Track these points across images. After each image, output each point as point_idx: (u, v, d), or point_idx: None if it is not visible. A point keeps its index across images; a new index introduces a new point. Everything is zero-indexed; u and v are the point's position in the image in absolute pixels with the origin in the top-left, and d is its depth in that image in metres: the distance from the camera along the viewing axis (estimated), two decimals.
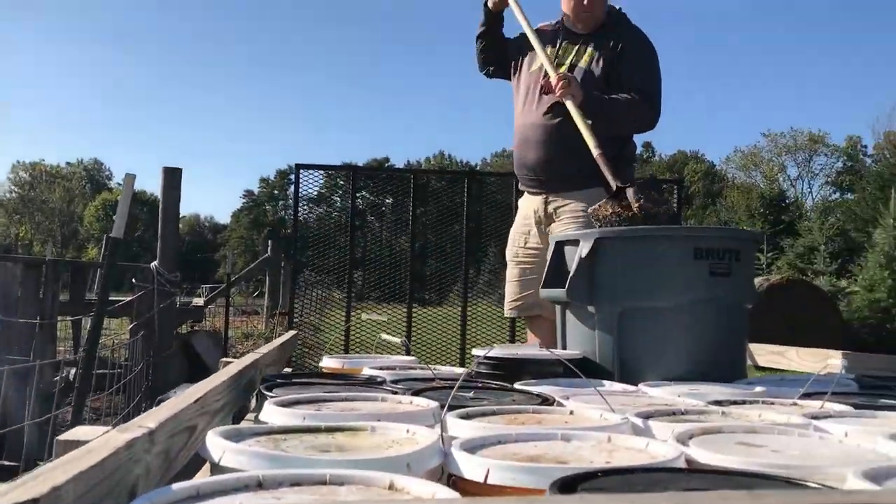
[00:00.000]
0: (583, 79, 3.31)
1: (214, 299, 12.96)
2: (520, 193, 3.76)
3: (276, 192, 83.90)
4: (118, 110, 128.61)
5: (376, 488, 1.03)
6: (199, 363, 8.25)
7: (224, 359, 2.89)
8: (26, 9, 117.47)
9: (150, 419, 1.18)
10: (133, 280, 6.51)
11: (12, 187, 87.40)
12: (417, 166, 65.09)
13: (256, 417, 2.09)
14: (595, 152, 2.95)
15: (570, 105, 3.11)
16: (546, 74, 3.30)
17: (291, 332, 4.18)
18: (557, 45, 3.50)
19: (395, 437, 1.37)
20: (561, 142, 3.32)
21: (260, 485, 1.06)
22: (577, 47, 3.46)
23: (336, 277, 6.05)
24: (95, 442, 1.00)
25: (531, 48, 3.44)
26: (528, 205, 3.59)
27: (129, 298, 6.92)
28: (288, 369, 3.70)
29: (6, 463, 6.02)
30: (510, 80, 3.73)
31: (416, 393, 1.84)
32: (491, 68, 3.77)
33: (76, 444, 1.10)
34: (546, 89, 3.26)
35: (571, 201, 3.38)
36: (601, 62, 3.38)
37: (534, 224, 3.53)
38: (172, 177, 6.45)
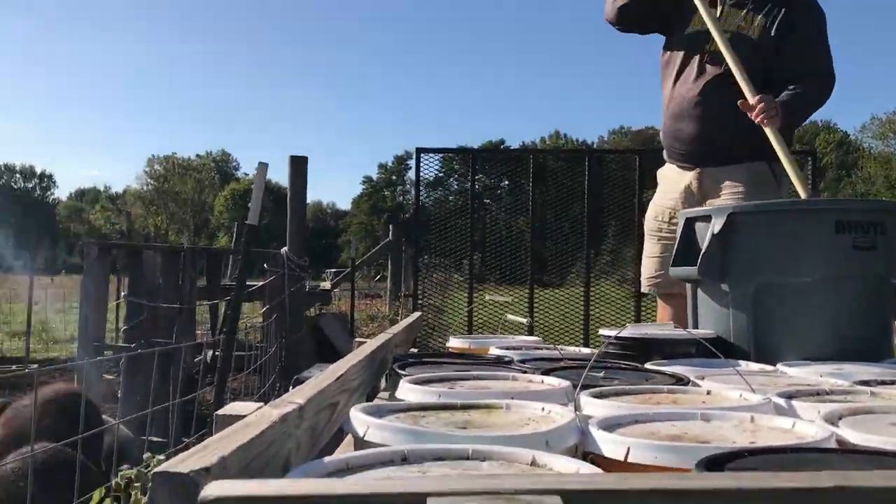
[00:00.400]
0: (754, 53, 3.11)
1: (340, 283, 13.36)
2: (657, 165, 3.61)
3: (393, 177, 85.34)
4: (244, 103, 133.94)
5: (518, 464, 1.04)
6: (328, 344, 8.52)
7: (357, 339, 2.98)
8: (159, 8, 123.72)
9: (298, 396, 1.23)
10: (264, 265, 6.79)
11: (148, 180, 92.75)
12: (533, 147, 64.63)
13: (390, 395, 2.15)
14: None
15: (769, 132, 2.93)
16: (711, 52, 3.14)
17: (416, 314, 4.26)
18: (720, 6, 3.26)
19: (530, 415, 1.38)
20: (722, 116, 3.13)
21: (405, 459, 1.09)
22: (743, 13, 3.21)
23: (455, 260, 6.12)
24: (252, 416, 1.06)
25: (690, 6, 3.18)
26: (677, 179, 3.40)
27: (260, 283, 7.23)
28: (413, 350, 3.78)
29: (155, 439, 6.43)
30: (648, 32, 3.48)
31: (546, 372, 1.84)
32: (631, 16, 3.37)
33: (234, 418, 1.16)
34: (743, 108, 2.98)
35: (731, 177, 3.24)
36: (772, 31, 3.14)
37: (681, 199, 3.36)
38: (299, 165, 6.67)
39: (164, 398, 7.01)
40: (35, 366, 11.71)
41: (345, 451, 1.73)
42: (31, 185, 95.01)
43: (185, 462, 0.79)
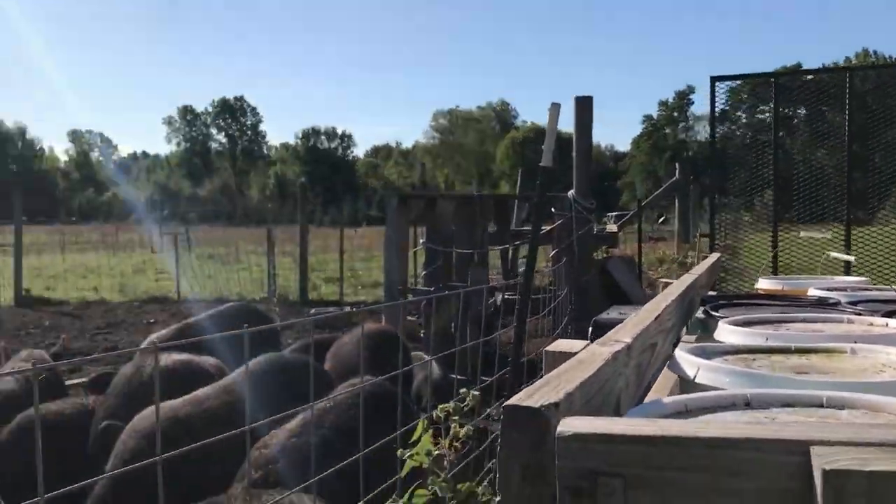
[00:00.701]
0: None
1: (626, 225, 13.13)
2: None
3: (675, 114, 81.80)
4: (521, 52, 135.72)
5: (887, 414, 0.93)
6: (616, 287, 8.45)
7: (663, 279, 2.88)
8: None
9: (624, 334, 1.20)
10: (551, 210, 6.83)
11: (434, 133, 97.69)
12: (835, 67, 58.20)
13: (698, 338, 2.05)
14: None
15: None
16: None
17: (715, 255, 4.04)
18: None
19: (884, 361, 1.24)
20: None
21: (748, 404, 1.02)
22: None
23: (748, 199, 5.71)
24: (582, 354, 1.04)
25: None
26: None
27: (548, 228, 7.30)
28: (712, 293, 3.59)
29: (458, 377, 6.83)
30: None
31: (889, 315, 1.65)
32: None
33: (563, 355, 1.16)
34: None
35: None
36: None
37: None
38: (584, 105, 6.57)
39: (462, 339, 7.41)
40: (348, 308, 12.98)
41: (660, 395, 1.67)
42: (333, 145, 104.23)
43: (533, 397, 0.79)
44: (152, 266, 22.74)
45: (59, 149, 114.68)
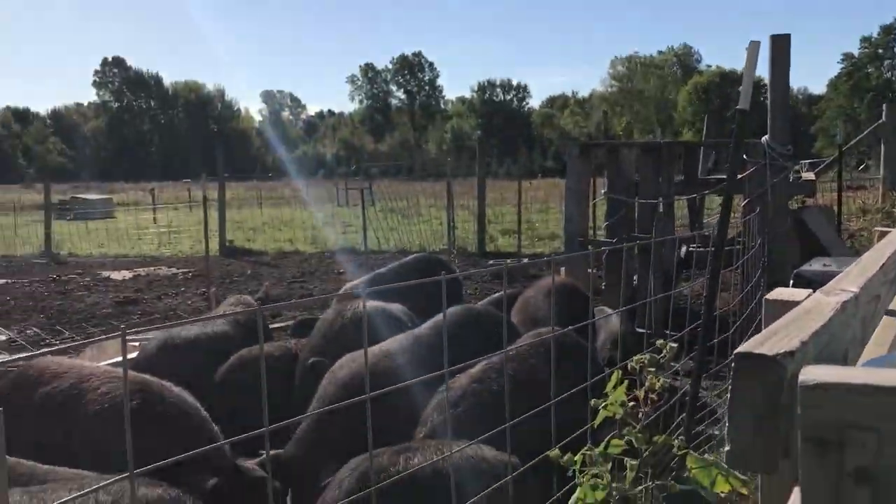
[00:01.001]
0: None
1: (823, 172, 12.26)
2: None
3: (879, 51, 74.72)
4: None
5: None
6: (812, 239, 7.93)
7: (878, 228, 2.67)
8: None
9: (849, 283, 1.12)
10: (743, 157, 6.47)
11: (612, 82, 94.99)
12: None
13: None
14: None
15: None
16: None
17: None
18: None
19: None
20: None
21: None
22: None
23: None
24: (807, 303, 0.99)
25: None
26: None
27: (740, 175, 6.94)
28: None
29: (639, 329, 6.71)
30: None
31: None
32: None
33: (784, 304, 1.11)
34: None
35: None
36: None
37: None
38: (781, 45, 6.13)
39: (645, 292, 7.25)
40: (526, 259, 13.03)
41: (879, 350, 1.56)
42: (509, 97, 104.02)
43: (765, 345, 0.76)
44: (339, 219, 23.91)
45: (254, 109, 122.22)
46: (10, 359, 7.09)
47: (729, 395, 0.75)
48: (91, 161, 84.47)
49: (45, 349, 7.93)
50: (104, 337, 6.14)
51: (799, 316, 0.91)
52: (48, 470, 2.77)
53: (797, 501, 0.69)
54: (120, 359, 5.08)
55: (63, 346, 8.05)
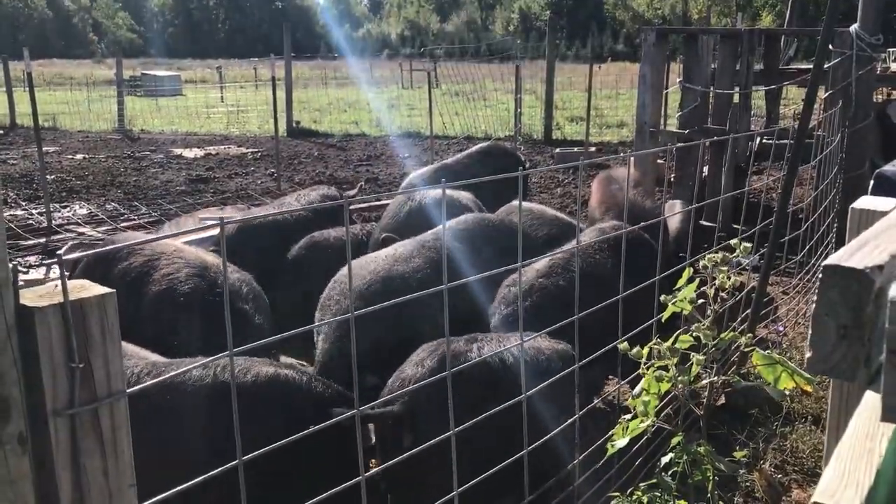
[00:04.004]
0: None
1: None
2: None
3: None
4: None
5: None
6: (894, 135, 7.62)
7: None
8: None
9: None
10: (829, 46, 6.16)
11: None
12: None
13: None
14: None
15: None
16: None
17: None
18: None
19: None
20: None
21: None
22: None
23: None
24: (894, 214, 0.99)
25: None
26: None
27: (826, 66, 6.63)
28: None
29: (707, 223, 6.65)
30: None
31: None
32: None
33: (870, 213, 1.11)
34: None
35: None
36: None
37: None
38: None
39: (713, 184, 7.13)
40: (592, 149, 12.85)
41: None
42: None
43: (854, 257, 0.77)
44: (404, 101, 23.73)
45: None
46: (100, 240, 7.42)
47: (815, 304, 0.77)
48: (159, 37, 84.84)
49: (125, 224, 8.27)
50: (206, 223, 6.37)
51: (888, 227, 0.92)
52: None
53: (875, 407, 0.73)
54: (194, 237, 5.30)
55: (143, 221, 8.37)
